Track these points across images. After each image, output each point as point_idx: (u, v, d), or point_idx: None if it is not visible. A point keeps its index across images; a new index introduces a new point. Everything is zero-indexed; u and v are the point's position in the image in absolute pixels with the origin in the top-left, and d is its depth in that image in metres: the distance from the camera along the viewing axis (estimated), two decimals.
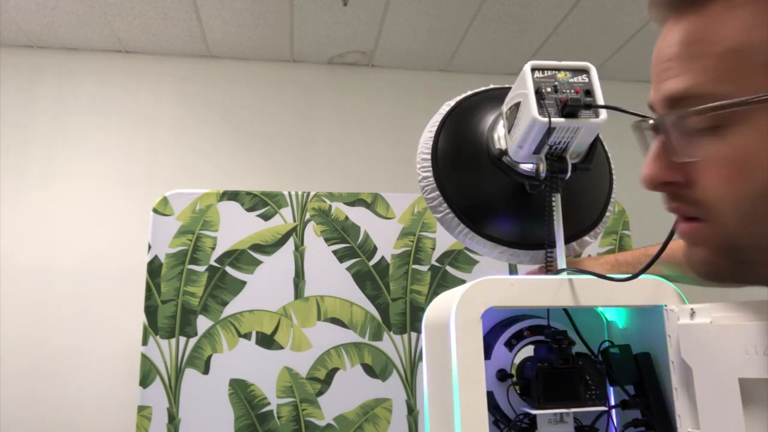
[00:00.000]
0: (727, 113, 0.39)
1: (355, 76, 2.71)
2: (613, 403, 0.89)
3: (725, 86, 0.38)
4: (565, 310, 0.89)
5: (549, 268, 0.87)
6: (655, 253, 0.69)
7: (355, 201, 1.80)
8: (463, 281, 1.77)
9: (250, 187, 1.98)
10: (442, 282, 1.78)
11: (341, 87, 2.69)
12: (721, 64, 0.39)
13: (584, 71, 0.81)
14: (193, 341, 1.65)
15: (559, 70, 0.81)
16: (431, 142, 0.96)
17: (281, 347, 1.68)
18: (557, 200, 0.85)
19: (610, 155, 1.01)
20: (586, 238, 0.96)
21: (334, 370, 1.68)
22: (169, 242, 1.70)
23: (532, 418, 0.83)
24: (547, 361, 0.80)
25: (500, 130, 0.91)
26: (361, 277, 1.75)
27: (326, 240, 1.76)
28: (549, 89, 0.79)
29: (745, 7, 0.37)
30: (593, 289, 0.77)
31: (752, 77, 0.37)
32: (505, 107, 0.87)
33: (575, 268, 0.84)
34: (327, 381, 1.67)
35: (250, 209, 1.76)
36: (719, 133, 0.40)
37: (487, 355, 0.87)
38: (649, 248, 0.85)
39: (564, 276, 0.78)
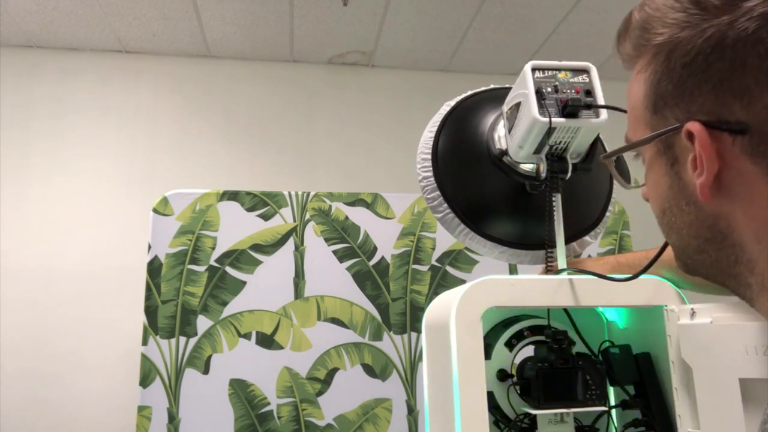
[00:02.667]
0: (636, 152, 0.53)
1: (355, 76, 2.71)
2: (613, 403, 0.89)
3: (629, 133, 0.52)
4: (566, 310, 0.89)
5: (549, 268, 0.86)
6: (659, 251, 0.70)
7: (355, 201, 1.81)
8: (463, 281, 1.77)
9: (250, 187, 1.98)
10: (442, 282, 1.78)
11: (341, 87, 2.69)
12: (629, 116, 0.52)
13: (585, 71, 0.81)
14: (193, 341, 1.65)
15: (559, 70, 0.81)
16: (431, 142, 0.96)
17: (281, 347, 1.68)
18: (557, 200, 0.85)
19: None
20: (587, 238, 0.96)
21: (334, 370, 1.68)
22: (169, 242, 1.70)
23: (533, 418, 0.83)
24: (547, 361, 0.80)
25: (501, 130, 0.91)
26: (361, 277, 1.75)
27: (326, 240, 1.76)
28: (549, 89, 0.79)
29: (636, 75, 0.49)
30: (593, 289, 0.77)
31: (639, 126, 0.50)
32: (505, 107, 0.87)
33: (576, 268, 0.84)
34: (327, 381, 1.67)
35: (250, 209, 1.76)
36: (645, 167, 0.53)
37: (488, 355, 0.87)
38: (650, 251, 0.85)
39: (564, 276, 0.78)
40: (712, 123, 0.43)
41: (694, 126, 0.43)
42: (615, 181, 1.01)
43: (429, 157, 0.95)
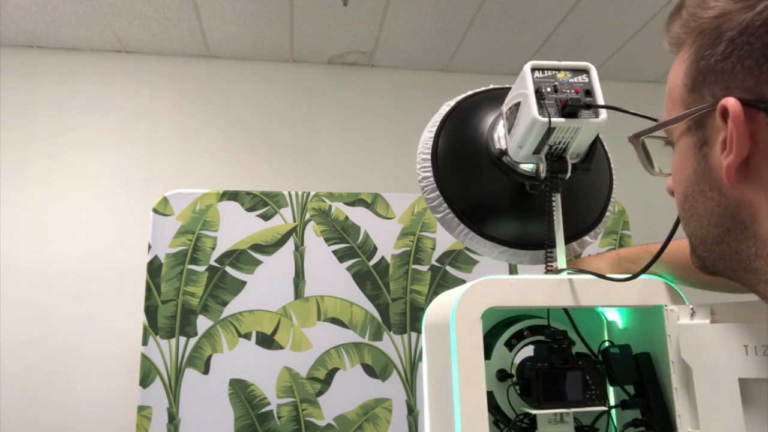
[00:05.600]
0: (666, 138, 0.51)
1: (355, 76, 2.71)
2: (613, 403, 0.89)
3: (664, 117, 0.50)
4: (565, 310, 0.89)
5: (549, 268, 0.86)
6: (656, 250, 0.70)
7: (355, 201, 1.81)
8: (463, 281, 1.77)
9: (250, 187, 1.98)
10: (442, 282, 1.78)
11: (341, 87, 2.69)
12: (666, 100, 0.51)
13: (584, 71, 0.81)
14: (193, 341, 1.65)
15: (559, 70, 0.81)
16: (431, 142, 0.96)
17: (281, 347, 1.68)
18: (557, 200, 0.85)
19: (610, 155, 1.01)
20: (586, 238, 0.96)
21: (334, 370, 1.68)
22: (169, 242, 1.70)
23: (532, 418, 0.83)
24: (547, 361, 0.80)
25: (500, 130, 0.91)
26: (361, 277, 1.75)
27: (326, 240, 1.76)
28: (549, 89, 0.79)
29: (681, 55, 0.48)
30: (593, 289, 0.77)
31: (674, 107, 0.48)
32: (505, 107, 0.87)
33: (576, 268, 0.84)
34: (327, 381, 1.67)
35: (250, 209, 1.76)
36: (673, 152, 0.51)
37: (487, 355, 0.87)
38: (650, 245, 0.84)
39: (564, 276, 0.78)
40: (749, 101, 0.41)
41: (729, 102, 0.41)
42: (615, 181, 1.01)
43: (429, 157, 0.95)
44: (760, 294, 0.46)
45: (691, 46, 0.46)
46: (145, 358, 1.62)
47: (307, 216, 1.77)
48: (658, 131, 0.53)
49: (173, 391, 1.61)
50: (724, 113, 0.42)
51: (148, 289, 1.67)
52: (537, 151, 0.82)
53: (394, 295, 1.75)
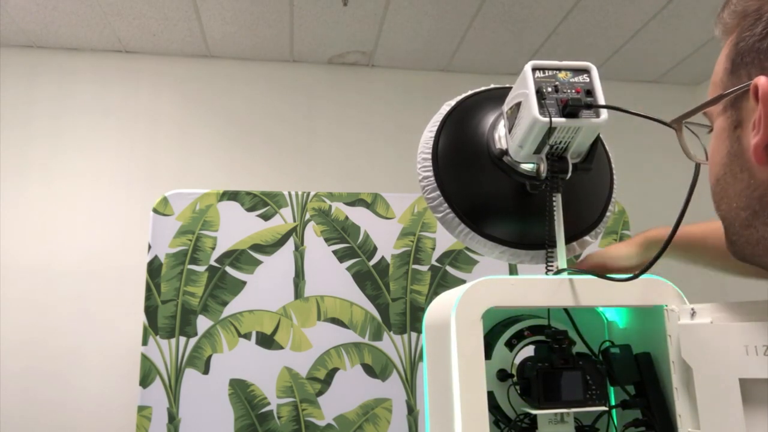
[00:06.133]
0: (710, 127, 0.51)
1: (355, 76, 2.71)
2: (613, 403, 0.89)
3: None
4: (566, 310, 0.89)
5: (549, 268, 0.86)
6: (689, 230, 0.69)
7: (355, 201, 1.80)
8: (463, 281, 1.77)
9: (250, 187, 1.98)
10: (442, 282, 1.78)
11: (341, 87, 2.69)
12: (710, 85, 0.51)
13: (585, 71, 0.81)
14: (193, 341, 1.65)
15: (560, 69, 0.81)
16: (431, 142, 0.96)
17: (281, 347, 1.68)
18: (558, 200, 0.85)
19: (610, 155, 1.01)
20: (587, 238, 0.96)
21: (334, 370, 1.68)
22: (169, 242, 1.70)
23: (533, 418, 0.83)
24: (547, 361, 0.80)
25: (501, 129, 0.91)
26: (361, 277, 1.75)
27: (326, 240, 1.76)
28: (550, 89, 0.79)
29: (725, 46, 0.49)
30: (593, 289, 0.77)
31: (715, 93, 0.49)
32: (505, 107, 0.87)
33: (581, 267, 0.83)
34: (327, 381, 1.67)
35: (250, 209, 1.76)
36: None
37: (488, 355, 0.87)
38: (684, 227, 0.82)
39: (564, 276, 0.78)
40: None
41: (760, 80, 0.41)
42: (615, 181, 1.01)
43: (429, 156, 0.95)
44: None
45: (734, 30, 0.47)
46: (145, 358, 1.62)
47: (307, 216, 1.77)
48: (700, 118, 0.53)
49: (173, 391, 1.61)
50: (757, 93, 0.42)
51: (148, 289, 1.67)
52: (538, 151, 0.82)
53: (394, 295, 1.75)
